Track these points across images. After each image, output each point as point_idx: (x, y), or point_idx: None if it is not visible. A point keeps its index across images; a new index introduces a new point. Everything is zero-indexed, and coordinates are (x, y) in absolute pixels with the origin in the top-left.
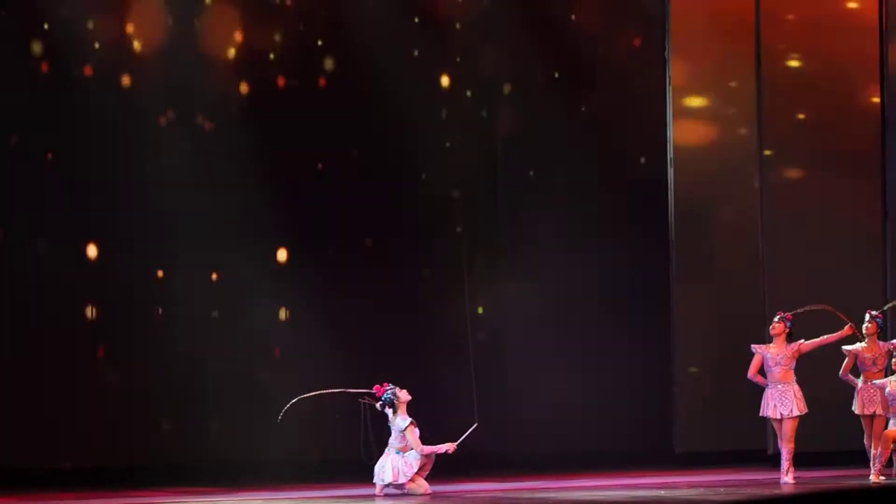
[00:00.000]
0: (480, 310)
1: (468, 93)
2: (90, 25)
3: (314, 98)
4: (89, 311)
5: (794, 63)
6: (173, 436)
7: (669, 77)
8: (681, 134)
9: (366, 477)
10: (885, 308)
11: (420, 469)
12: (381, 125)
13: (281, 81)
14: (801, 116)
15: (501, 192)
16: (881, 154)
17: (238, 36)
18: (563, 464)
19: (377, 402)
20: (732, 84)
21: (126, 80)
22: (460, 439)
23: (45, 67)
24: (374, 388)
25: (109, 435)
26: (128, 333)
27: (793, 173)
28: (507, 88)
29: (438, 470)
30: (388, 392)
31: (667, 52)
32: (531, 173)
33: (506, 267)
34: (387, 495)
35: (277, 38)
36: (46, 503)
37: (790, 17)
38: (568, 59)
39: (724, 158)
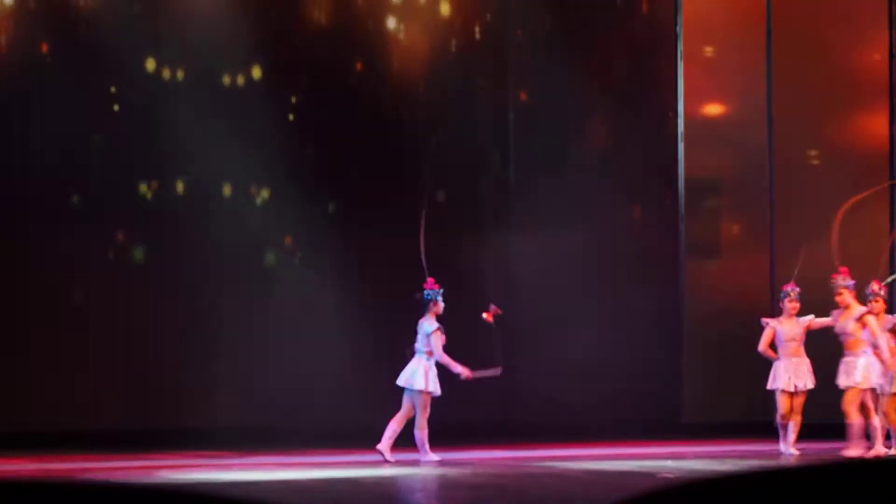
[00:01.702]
0: None
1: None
2: None
3: None
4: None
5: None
6: (181, 400)
7: (681, 51)
8: (692, 108)
9: (376, 442)
10: (887, 282)
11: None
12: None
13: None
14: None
15: (513, 160)
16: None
17: None
18: (571, 433)
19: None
20: (744, 57)
21: None
22: (478, 374)
23: None
24: (429, 279)
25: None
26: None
27: (804, 148)
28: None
29: (447, 437)
30: (435, 293)
31: (678, 27)
32: (543, 141)
33: (516, 238)
34: (397, 460)
35: None
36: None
37: None
38: (581, 30)
39: (735, 133)
